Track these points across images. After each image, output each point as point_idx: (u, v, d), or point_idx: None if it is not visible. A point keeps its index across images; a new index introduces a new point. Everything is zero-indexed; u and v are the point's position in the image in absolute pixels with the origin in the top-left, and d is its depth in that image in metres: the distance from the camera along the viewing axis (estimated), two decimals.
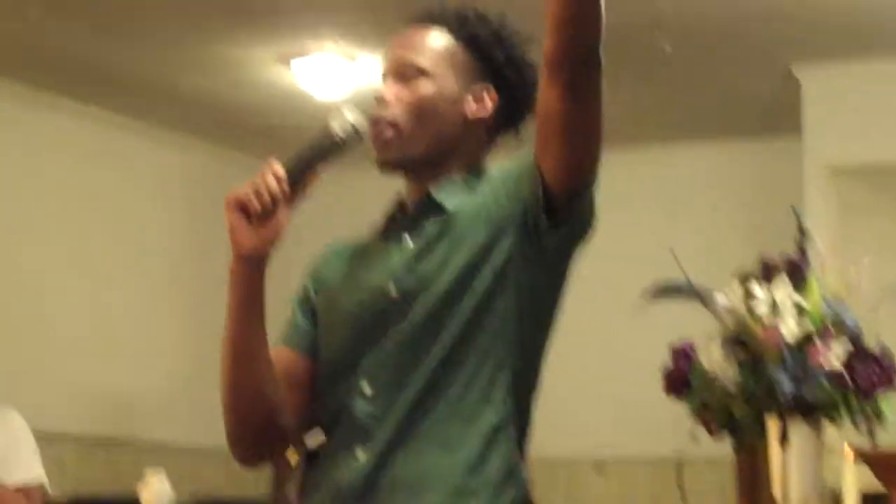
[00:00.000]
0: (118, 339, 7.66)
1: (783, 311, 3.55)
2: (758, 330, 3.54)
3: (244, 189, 2.21)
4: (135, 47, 6.70)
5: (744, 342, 3.56)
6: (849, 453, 3.55)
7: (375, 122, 2.34)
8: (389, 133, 2.34)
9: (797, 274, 3.61)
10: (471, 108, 2.36)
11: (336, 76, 6.86)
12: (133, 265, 7.83)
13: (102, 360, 7.54)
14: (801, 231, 3.71)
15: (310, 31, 6.54)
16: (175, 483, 5.76)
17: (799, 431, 3.48)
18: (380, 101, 2.36)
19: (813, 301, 3.56)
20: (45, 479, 4.49)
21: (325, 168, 2.29)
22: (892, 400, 3.57)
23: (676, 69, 6.90)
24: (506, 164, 2.32)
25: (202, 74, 7.12)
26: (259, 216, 2.21)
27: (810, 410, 3.49)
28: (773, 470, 3.50)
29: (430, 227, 2.31)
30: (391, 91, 2.36)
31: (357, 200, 5.90)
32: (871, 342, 3.59)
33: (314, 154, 2.28)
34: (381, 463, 2.23)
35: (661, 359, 3.72)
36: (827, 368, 3.49)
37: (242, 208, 2.21)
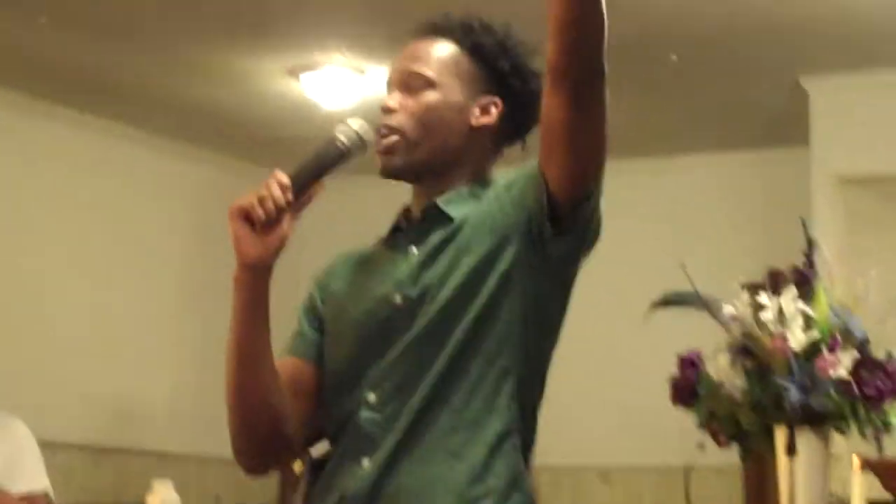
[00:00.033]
0: (124, 348, 7.66)
1: (790, 321, 3.54)
2: (765, 339, 3.53)
3: (248, 198, 2.22)
4: (143, 59, 6.71)
5: (751, 351, 3.55)
6: (856, 462, 3.54)
7: (380, 129, 2.34)
8: (394, 139, 2.34)
9: (805, 284, 3.60)
10: (476, 117, 2.36)
11: (345, 88, 6.88)
12: (137, 274, 7.84)
13: (108, 369, 7.54)
14: (809, 241, 3.71)
15: (318, 43, 6.56)
16: (182, 492, 5.76)
17: (806, 441, 3.48)
18: (385, 110, 2.37)
19: (821, 311, 3.55)
20: (49, 489, 4.49)
21: (329, 177, 2.29)
22: None
23: (685, 80, 6.90)
24: (511, 172, 2.32)
25: (211, 85, 7.13)
26: (263, 225, 2.21)
27: (818, 420, 3.48)
28: (780, 479, 3.50)
29: (436, 236, 2.32)
30: (397, 101, 2.36)
31: (362, 209, 5.91)
32: (878, 353, 3.58)
33: (318, 163, 2.29)
34: (387, 471, 2.22)
35: (669, 368, 3.72)
36: (834, 378, 3.49)
37: (246, 217, 2.22)
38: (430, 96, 2.35)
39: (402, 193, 2.44)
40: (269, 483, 7.03)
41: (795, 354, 3.51)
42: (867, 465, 3.55)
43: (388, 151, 2.35)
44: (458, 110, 2.35)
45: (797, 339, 3.52)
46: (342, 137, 2.30)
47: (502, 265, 2.24)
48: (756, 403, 3.52)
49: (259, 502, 7.61)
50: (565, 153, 2.19)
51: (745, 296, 3.63)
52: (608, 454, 7.92)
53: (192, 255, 8.11)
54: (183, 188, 8.18)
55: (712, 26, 6.24)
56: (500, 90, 2.37)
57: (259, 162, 7.79)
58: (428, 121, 2.34)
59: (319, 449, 2.35)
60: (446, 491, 2.20)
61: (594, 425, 7.88)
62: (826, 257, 3.71)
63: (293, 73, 6.88)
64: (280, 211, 2.21)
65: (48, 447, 4.68)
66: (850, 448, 3.63)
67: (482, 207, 2.30)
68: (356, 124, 2.31)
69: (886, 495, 3.63)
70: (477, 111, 2.36)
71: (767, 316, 3.54)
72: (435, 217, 2.34)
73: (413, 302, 2.26)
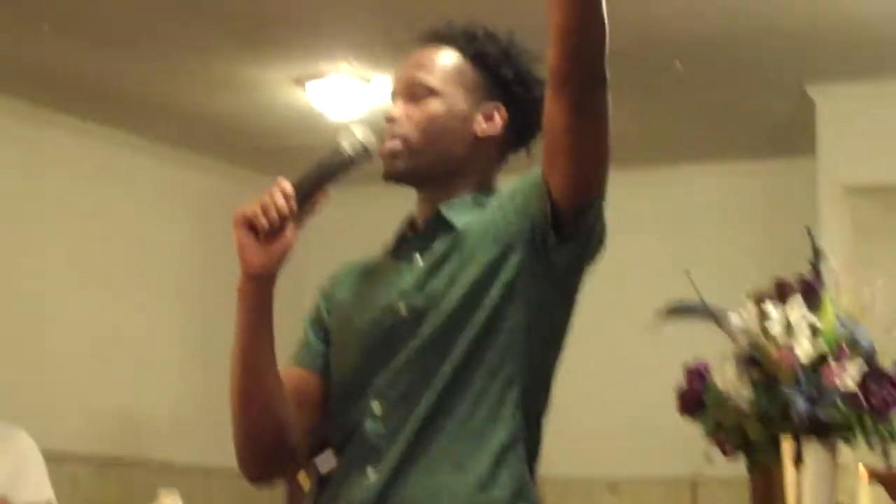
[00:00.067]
0: (128, 357, 7.65)
1: (797, 332, 3.54)
2: (772, 350, 3.53)
3: (252, 206, 2.21)
4: (146, 67, 6.71)
5: (758, 362, 3.55)
6: (863, 474, 3.53)
7: (384, 137, 2.34)
8: (398, 144, 2.34)
9: (811, 294, 3.60)
10: (480, 125, 2.36)
11: (351, 97, 6.88)
12: (140, 283, 7.83)
13: (113, 379, 7.53)
14: (816, 251, 3.70)
15: (324, 52, 6.56)
16: (187, 503, 5.75)
17: (813, 452, 3.47)
18: (389, 119, 2.36)
19: (827, 321, 3.55)
20: (54, 499, 4.49)
21: (333, 185, 2.28)
22: None
23: (690, 88, 6.89)
24: (515, 180, 2.32)
25: (215, 94, 7.13)
26: (267, 233, 2.21)
27: (825, 431, 3.48)
28: (787, 490, 3.49)
29: (440, 244, 2.31)
30: (400, 110, 2.36)
31: (367, 219, 5.91)
32: (885, 363, 3.57)
33: (322, 171, 2.28)
34: (392, 482, 2.22)
35: (676, 378, 3.71)
36: (841, 389, 3.48)
37: (250, 226, 2.21)
38: (434, 105, 2.35)
39: (406, 203, 2.44)
40: (276, 494, 7.01)
41: (802, 365, 3.50)
42: (874, 476, 3.54)
43: (392, 156, 2.34)
44: (462, 119, 2.35)
45: (804, 349, 3.51)
46: (347, 147, 2.29)
47: (506, 274, 2.24)
48: (763, 414, 3.51)
49: None
50: (567, 160, 2.19)
51: (752, 306, 3.62)
52: (616, 465, 7.90)
53: (195, 264, 8.10)
54: (186, 197, 8.17)
55: (717, 34, 6.23)
56: (503, 98, 2.37)
57: (264, 171, 7.78)
58: (431, 130, 2.34)
59: (325, 462, 2.34)
60: (452, 501, 2.20)
61: (601, 436, 7.86)
62: (832, 267, 3.70)
63: (299, 81, 6.89)
64: (283, 220, 2.21)
65: (53, 458, 4.69)
66: (857, 459, 3.62)
67: (486, 216, 2.30)
68: (360, 133, 2.31)
69: None
70: (481, 119, 2.36)
71: (775, 328, 3.53)
72: (439, 226, 2.33)
73: (418, 312, 2.26)
